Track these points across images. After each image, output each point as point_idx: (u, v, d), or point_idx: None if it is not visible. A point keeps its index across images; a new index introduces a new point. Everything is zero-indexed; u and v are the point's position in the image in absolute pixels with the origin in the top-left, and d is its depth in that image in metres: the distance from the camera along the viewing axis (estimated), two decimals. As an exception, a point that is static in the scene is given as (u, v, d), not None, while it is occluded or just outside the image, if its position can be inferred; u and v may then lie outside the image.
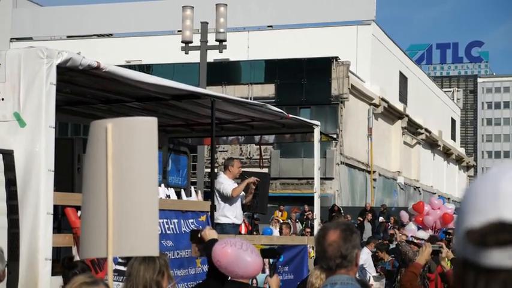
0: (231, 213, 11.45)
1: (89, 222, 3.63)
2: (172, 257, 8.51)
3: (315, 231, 12.15)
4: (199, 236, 6.21)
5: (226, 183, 11.38)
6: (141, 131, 3.61)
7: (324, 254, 3.79)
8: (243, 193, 11.80)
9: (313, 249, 11.65)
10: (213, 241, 6.04)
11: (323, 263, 3.81)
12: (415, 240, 12.48)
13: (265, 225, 25.07)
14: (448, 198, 62.35)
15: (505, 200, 1.41)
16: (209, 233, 6.14)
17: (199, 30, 21.23)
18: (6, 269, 5.80)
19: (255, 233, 20.12)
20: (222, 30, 20.65)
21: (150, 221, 3.57)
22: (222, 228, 11.20)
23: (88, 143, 3.67)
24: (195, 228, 8.94)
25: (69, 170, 9.13)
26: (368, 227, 26.10)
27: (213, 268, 5.93)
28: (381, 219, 28.25)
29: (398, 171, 49.07)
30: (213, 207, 10.11)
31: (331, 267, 3.79)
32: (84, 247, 3.67)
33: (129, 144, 3.57)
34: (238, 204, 11.61)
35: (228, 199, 11.38)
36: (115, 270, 6.52)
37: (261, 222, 24.94)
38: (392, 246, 16.98)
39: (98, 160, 3.57)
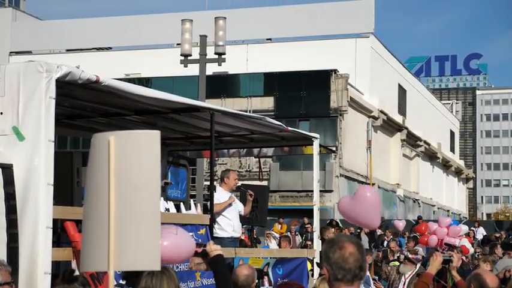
0: (228, 227, 11.39)
1: (90, 235, 3.62)
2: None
3: (315, 244, 12.12)
4: (201, 249, 6.20)
5: (217, 197, 11.28)
6: (144, 144, 3.61)
7: (344, 266, 3.74)
8: (241, 205, 11.75)
9: (309, 261, 11.58)
10: (219, 256, 6.04)
11: (339, 274, 3.75)
12: (410, 256, 12.40)
13: (263, 238, 24.99)
14: (448, 211, 62.31)
15: None
16: (214, 248, 6.12)
17: (198, 44, 21.26)
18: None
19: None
20: (221, 43, 20.67)
21: (152, 234, 3.56)
22: (220, 242, 11.10)
23: (90, 156, 3.66)
24: (196, 242, 8.92)
25: (68, 184, 9.11)
26: (365, 238, 26.00)
27: (220, 283, 5.95)
28: (379, 231, 28.19)
29: (398, 184, 49.05)
30: (213, 221, 10.08)
31: (348, 279, 3.75)
32: (85, 260, 3.66)
33: (131, 157, 3.56)
34: (235, 217, 11.56)
35: (220, 212, 11.32)
36: (117, 285, 6.50)
37: (259, 235, 24.85)
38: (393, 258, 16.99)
39: (100, 173, 3.57)
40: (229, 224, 11.38)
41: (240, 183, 12.20)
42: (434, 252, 7.91)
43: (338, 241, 3.83)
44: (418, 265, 11.89)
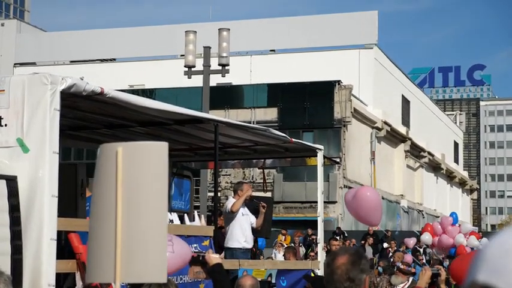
0: (241, 238, 11.39)
1: (96, 246, 3.61)
2: (175, 282, 8.47)
3: (319, 255, 12.10)
4: (200, 258, 6.20)
5: (229, 203, 11.40)
6: (152, 156, 3.60)
7: (332, 277, 3.80)
8: (253, 217, 11.71)
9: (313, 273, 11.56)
10: (218, 265, 6.03)
11: (331, 286, 3.80)
12: (401, 266, 12.32)
13: (269, 249, 24.97)
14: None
15: (485, 263, 1.52)
16: (212, 257, 6.11)
17: (202, 55, 21.30)
18: None
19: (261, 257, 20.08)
20: (224, 54, 20.71)
21: (159, 247, 3.55)
22: (232, 253, 11.14)
23: (96, 166, 3.65)
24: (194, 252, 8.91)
25: (72, 196, 9.12)
26: (369, 250, 25.93)
27: None
28: (385, 245, 28.03)
29: (402, 195, 48.95)
30: (217, 232, 10.08)
31: None
32: (91, 271, 3.65)
33: (139, 169, 3.56)
34: (247, 228, 11.56)
35: (233, 220, 11.34)
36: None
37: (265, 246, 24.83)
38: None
39: (107, 183, 3.56)
40: (241, 235, 11.38)
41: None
42: (423, 267, 7.97)
43: (332, 254, 3.94)
44: (411, 278, 11.82)
